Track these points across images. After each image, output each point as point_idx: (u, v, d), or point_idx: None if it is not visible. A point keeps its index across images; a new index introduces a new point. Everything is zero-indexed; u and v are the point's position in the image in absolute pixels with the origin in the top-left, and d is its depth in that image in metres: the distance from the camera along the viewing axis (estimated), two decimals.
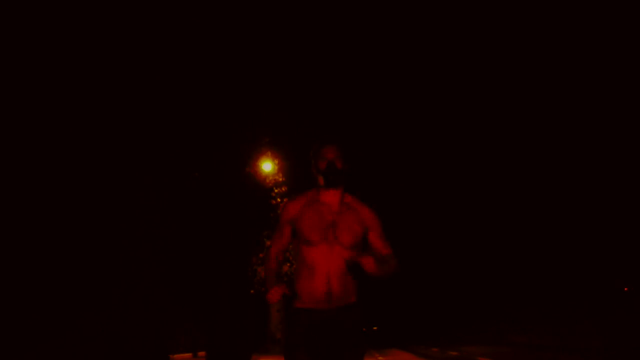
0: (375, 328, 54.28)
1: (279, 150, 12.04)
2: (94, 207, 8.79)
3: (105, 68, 8.06)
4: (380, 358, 17.10)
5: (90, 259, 9.59)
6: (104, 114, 8.15)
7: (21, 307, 8.54)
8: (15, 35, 7.44)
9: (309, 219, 2.30)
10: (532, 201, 28.57)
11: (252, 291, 12.69)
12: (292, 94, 11.47)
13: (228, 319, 11.24)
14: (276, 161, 12.18)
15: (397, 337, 43.12)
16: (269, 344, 18.97)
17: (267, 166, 12.01)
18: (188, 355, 15.98)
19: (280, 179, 12.30)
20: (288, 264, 13.41)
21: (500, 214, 30.75)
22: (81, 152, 8.34)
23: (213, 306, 11.57)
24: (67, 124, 7.81)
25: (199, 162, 9.83)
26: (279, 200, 12.09)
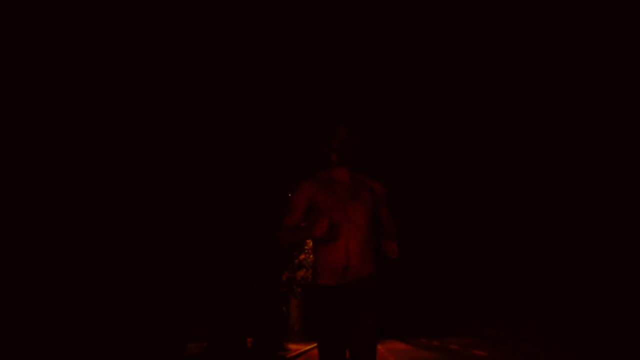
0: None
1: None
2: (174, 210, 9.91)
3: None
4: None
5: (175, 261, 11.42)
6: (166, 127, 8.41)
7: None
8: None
9: (324, 196, 2.37)
10: (516, 210, 29.01)
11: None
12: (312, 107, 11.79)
13: (267, 313, 14.36)
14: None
15: (399, 329, 47.54)
16: (290, 334, 23.54)
17: None
18: None
19: None
20: (304, 254, 16.92)
21: (486, 221, 32.72)
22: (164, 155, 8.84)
23: (255, 303, 14.53)
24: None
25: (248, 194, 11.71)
26: None
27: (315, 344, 2.48)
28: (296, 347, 17.77)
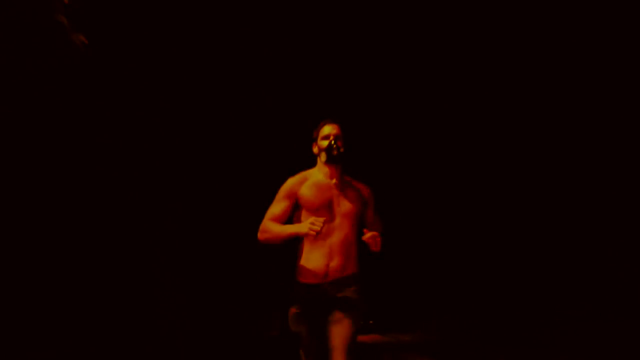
0: (371, 322, 61.11)
1: None
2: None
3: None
4: None
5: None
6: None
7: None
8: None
9: (311, 195, 2.38)
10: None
11: None
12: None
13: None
14: None
15: (383, 325, 51.73)
16: None
17: None
18: None
19: None
20: None
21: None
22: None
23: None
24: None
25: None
26: None
27: None
28: None
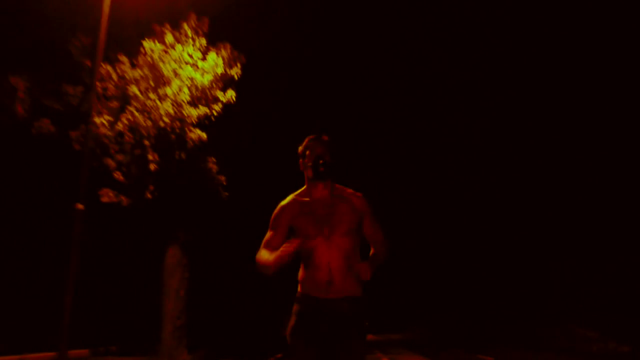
0: (366, 323, 63.45)
1: None
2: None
3: None
4: None
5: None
6: None
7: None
8: None
9: (304, 222, 2.36)
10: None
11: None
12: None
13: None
14: None
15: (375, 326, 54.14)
16: None
17: None
18: None
19: None
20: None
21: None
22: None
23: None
24: None
25: None
26: None
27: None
28: None
